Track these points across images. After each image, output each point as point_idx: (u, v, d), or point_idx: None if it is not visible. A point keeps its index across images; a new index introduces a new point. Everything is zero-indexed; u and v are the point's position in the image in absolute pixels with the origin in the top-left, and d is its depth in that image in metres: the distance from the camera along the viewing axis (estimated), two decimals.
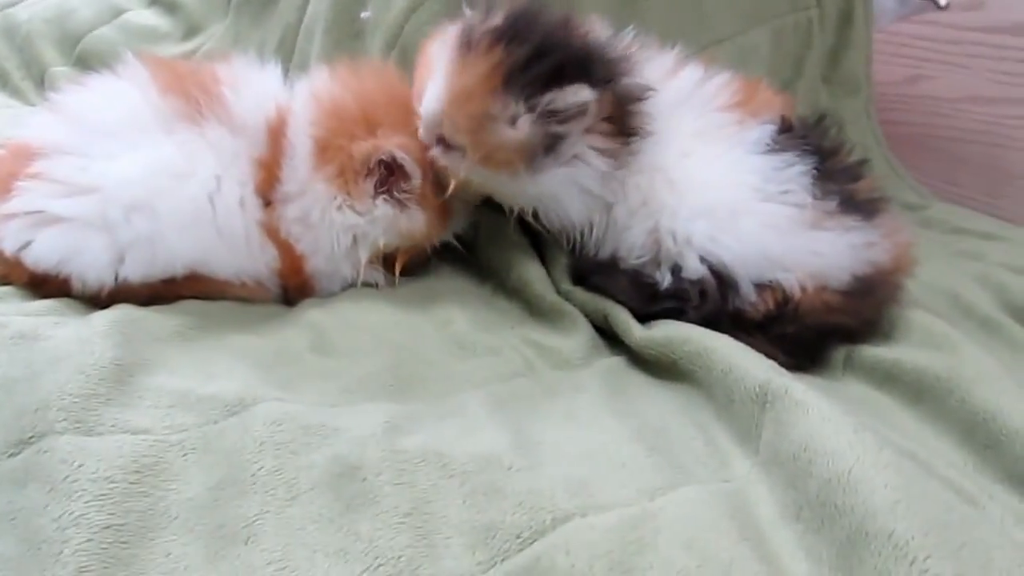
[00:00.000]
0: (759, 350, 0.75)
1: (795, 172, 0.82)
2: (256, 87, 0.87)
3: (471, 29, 0.83)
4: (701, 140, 0.88)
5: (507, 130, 0.82)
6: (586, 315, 0.89)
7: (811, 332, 0.81)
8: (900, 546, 0.49)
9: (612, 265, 0.91)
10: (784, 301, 0.81)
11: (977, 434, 0.68)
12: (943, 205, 1.49)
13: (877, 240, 0.83)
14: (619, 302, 0.87)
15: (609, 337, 0.88)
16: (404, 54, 1.07)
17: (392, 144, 0.84)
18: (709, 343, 0.75)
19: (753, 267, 0.82)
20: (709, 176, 0.86)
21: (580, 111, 0.81)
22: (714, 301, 0.82)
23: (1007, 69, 1.51)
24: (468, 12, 0.88)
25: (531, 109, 0.81)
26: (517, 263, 0.94)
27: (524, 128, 0.81)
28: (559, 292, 0.93)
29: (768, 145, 0.85)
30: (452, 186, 0.87)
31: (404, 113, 0.87)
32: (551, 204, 0.88)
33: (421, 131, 0.87)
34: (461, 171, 0.85)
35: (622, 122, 0.84)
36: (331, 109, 0.86)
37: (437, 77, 0.83)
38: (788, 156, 0.83)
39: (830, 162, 0.86)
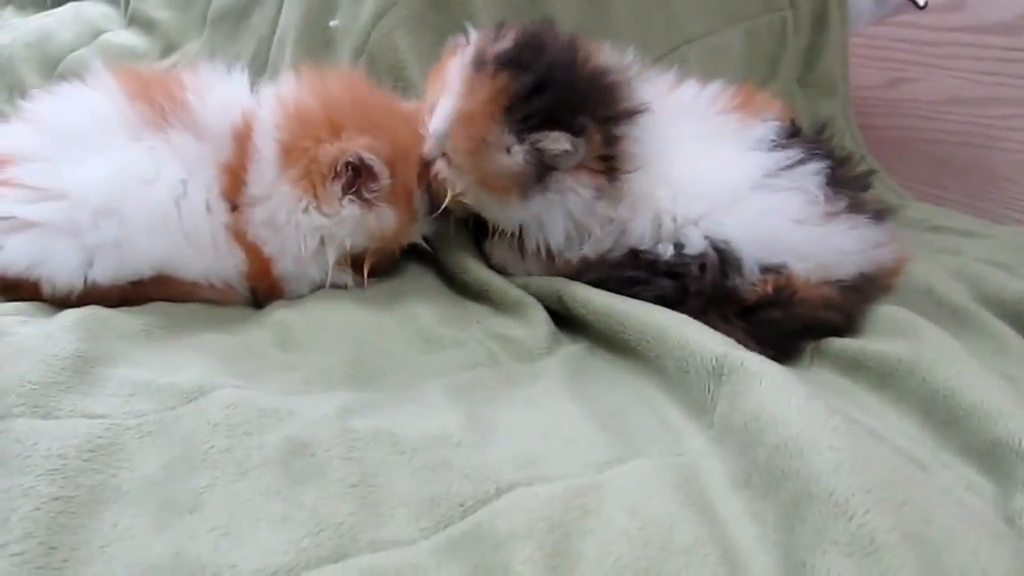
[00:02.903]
0: (735, 338, 0.75)
1: (807, 170, 0.84)
2: (222, 93, 0.88)
3: (483, 50, 0.86)
4: (704, 142, 0.90)
5: (502, 157, 0.85)
6: (540, 299, 0.91)
7: (796, 323, 0.82)
8: (840, 503, 0.49)
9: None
10: (783, 287, 0.82)
11: (937, 411, 0.68)
12: (922, 205, 1.49)
13: (886, 241, 0.85)
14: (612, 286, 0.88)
15: (568, 326, 0.89)
16: (372, 60, 1.10)
17: (358, 146, 0.85)
18: (665, 318, 0.77)
19: (763, 249, 0.82)
20: (713, 167, 0.87)
21: (564, 155, 0.84)
22: (713, 276, 0.83)
23: (988, 69, 1.52)
24: (473, 32, 0.93)
25: (522, 142, 0.84)
26: (474, 266, 0.96)
27: (518, 157, 0.85)
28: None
29: (774, 142, 0.86)
30: (448, 198, 0.90)
31: (369, 115, 0.89)
32: (536, 227, 0.91)
33: (426, 146, 0.91)
34: (458, 187, 0.89)
35: (613, 159, 0.87)
36: (296, 113, 0.88)
37: (448, 96, 0.87)
38: (796, 152, 0.85)
39: (841, 170, 0.87)
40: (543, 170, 0.85)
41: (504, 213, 0.90)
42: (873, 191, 0.91)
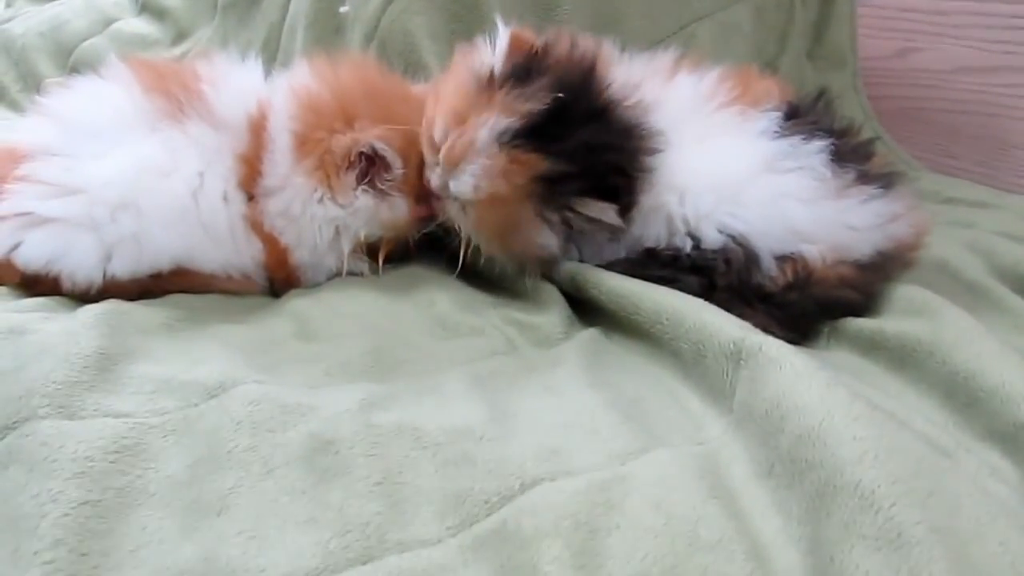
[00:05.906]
0: (756, 323, 0.74)
1: (811, 149, 0.83)
2: (237, 83, 0.88)
3: (509, 121, 0.81)
4: (705, 143, 0.88)
5: (534, 230, 0.84)
6: (553, 281, 0.90)
7: (813, 303, 0.81)
8: (866, 496, 0.49)
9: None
10: (800, 271, 0.81)
11: (958, 394, 0.68)
12: (934, 176, 1.49)
13: (901, 212, 0.84)
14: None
15: (580, 308, 0.89)
16: (383, 45, 1.09)
17: (371, 136, 0.85)
18: (680, 301, 0.76)
19: (775, 237, 0.82)
20: (715, 161, 0.86)
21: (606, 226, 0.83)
22: (739, 270, 0.82)
23: (997, 37, 1.50)
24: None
25: (560, 210, 0.83)
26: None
27: (553, 227, 0.84)
28: None
29: (777, 132, 0.85)
30: (463, 244, 0.88)
31: (381, 104, 0.89)
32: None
33: (437, 181, 0.87)
34: (472, 236, 0.87)
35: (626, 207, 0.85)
36: (309, 103, 0.87)
37: (471, 164, 0.82)
38: (798, 138, 0.84)
39: (842, 142, 0.86)
40: (574, 233, 0.85)
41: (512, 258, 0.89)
42: (878, 157, 0.89)
